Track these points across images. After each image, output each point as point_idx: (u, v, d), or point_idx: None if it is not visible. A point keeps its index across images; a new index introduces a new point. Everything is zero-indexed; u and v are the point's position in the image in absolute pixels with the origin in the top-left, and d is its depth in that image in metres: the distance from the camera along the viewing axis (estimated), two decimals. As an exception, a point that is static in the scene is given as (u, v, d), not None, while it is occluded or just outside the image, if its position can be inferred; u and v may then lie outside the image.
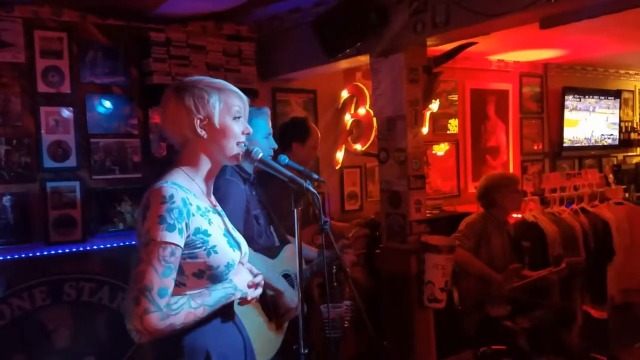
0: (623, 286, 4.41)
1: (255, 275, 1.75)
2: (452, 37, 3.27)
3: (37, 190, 3.45)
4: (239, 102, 1.69)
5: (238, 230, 2.08)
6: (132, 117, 3.78)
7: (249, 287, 1.71)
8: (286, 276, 2.47)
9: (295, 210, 1.83)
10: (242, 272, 1.71)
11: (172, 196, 1.52)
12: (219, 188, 2.21)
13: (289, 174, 1.90)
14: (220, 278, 1.62)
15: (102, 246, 3.51)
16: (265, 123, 2.54)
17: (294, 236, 2.71)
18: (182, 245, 1.52)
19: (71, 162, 3.54)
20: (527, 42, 4.83)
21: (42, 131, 3.45)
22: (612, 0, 2.27)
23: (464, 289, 3.50)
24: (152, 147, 3.84)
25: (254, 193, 2.53)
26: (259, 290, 1.77)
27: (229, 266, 1.63)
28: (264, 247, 2.44)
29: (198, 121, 1.62)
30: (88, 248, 3.49)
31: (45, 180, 3.46)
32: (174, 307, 1.48)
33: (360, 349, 3.47)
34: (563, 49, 5.33)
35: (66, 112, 3.53)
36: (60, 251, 3.38)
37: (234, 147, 1.68)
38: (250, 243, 2.30)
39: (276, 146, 2.58)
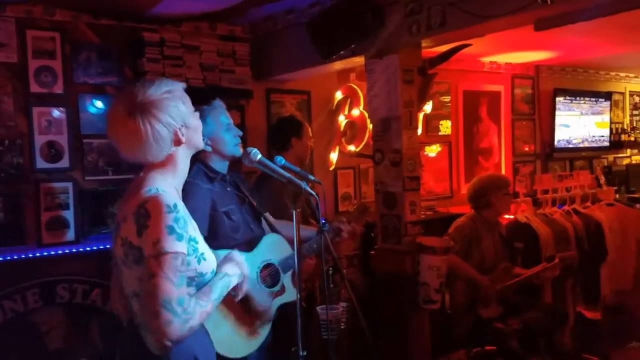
0: (615, 287, 4.44)
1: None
2: (447, 39, 3.29)
3: (29, 191, 3.42)
4: (185, 94, 1.65)
5: (201, 231, 2.00)
6: (126, 117, 3.75)
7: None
8: (268, 266, 2.40)
9: (295, 211, 1.84)
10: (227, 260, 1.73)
11: (175, 205, 1.51)
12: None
13: (288, 175, 1.90)
14: (203, 284, 1.62)
15: (95, 248, 3.49)
16: (223, 116, 2.47)
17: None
18: (186, 253, 1.53)
19: (64, 162, 3.51)
20: (519, 43, 4.86)
21: (35, 132, 3.42)
22: (606, 3, 2.29)
23: (454, 291, 3.51)
24: (146, 148, 3.81)
25: (228, 189, 2.49)
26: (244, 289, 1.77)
27: (212, 272, 1.65)
28: (242, 241, 2.39)
29: (178, 130, 1.59)
30: (81, 249, 3.46)
31: (38, 181, 3.43)
32: (189, 310, 1.48)
33: (355, 350, 3.47)
34: (555, 51, 5.36)
35: (59, 113, 3.51)
36: (53, 253, 3.35)
37: (200, 138, 1.71)
38: (224, 240, 2.29)
39: (241, 133, 2.51)
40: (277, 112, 4.36)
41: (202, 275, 1.60)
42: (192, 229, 1.59)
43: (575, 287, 4.36)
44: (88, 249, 3.47)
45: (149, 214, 1.48)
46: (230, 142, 2.41)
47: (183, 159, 1.66)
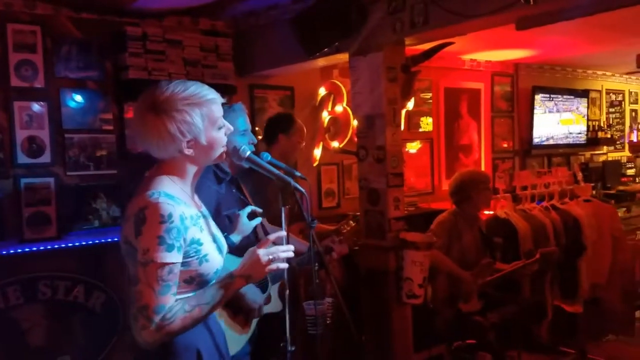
0: (591, 281, 4.54)
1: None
2: (430, 37, 3.32)
3: (10, 187, 3.37)
4: (219, 109, 1.65)
5: None
6: (107, 112, 3.73)
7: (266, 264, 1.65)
8: None
9: (284, 208, 1.85)
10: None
11: (170, 215, 1.52)
12: None
13: (277, 172, 1.91)
14: (208, 284, 1.65)
15: (77, 244, 3.46)
16: (242, 120, 2.49)
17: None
18: (180, 261, 1.55)
19: (45, 158, 3.47)
20: (499, 42, 4.92)
21: (16, 126, 3.37)
22: (588, 3, 2.34)
23: (435, 286, 3.55)
24: (128, 143, 3.79)
25: (233, 191, 2.51)
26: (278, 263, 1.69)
27: (217, 272, 1.67)
28: (239, 247, 2.40)
29: (185, 144, 1.59)
30: (63, 246, 3.42)
31: (19, 177, 3.38)
32: (168, 316, 1.52)
33: (339, 345, 3.49)
34: (533, 49, 5.44)
35: (40, 107, 3.46)
36: (34, 249, 3.31)
37: (220, 152, 1.68)
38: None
39: (256, 141, 2.55)
40: (261, 107, 4.36)
41: (204, 276, 1.63)
42: (198, 231, 1.61)
43: (553, 282, 4.45)
44: (70, 245, 3.43)
45: (145, 220, 1.51)
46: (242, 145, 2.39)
47: (191, 168, 1.66)
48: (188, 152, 1.60)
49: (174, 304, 1.54)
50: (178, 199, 1.57)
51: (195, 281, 1.62)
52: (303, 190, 1.92)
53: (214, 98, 1.65)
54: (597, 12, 2.54)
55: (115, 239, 3.58)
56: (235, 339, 2.28)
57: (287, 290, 1.96)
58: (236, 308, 2.31)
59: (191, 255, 1.58)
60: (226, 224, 2.39)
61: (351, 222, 3.12)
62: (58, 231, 3.49)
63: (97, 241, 3.52)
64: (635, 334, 4.72)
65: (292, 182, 1.88)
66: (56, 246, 3.40)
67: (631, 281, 4.89)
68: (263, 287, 2.44)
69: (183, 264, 1.56)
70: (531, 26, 2.85)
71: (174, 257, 1.52)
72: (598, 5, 2.37)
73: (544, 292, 4.38)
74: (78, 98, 3.62)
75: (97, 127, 3.68)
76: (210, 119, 1.62)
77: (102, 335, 3.46)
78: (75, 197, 3.59)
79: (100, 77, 3.68)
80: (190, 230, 1.58)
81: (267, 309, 2.46)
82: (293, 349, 1.91)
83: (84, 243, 3.47)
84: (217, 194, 2.39)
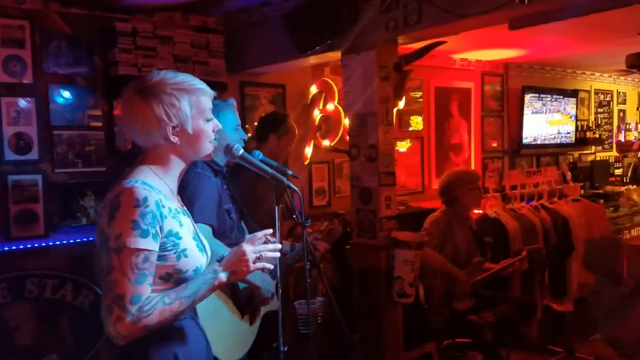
0: (579, 281, 4.57)
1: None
2: (423, 36, 3.31)
3: (-3, 184, 3.33)
4: (208, 100, 1.64)
5: (212, 225, 2.04)
6: (96, 109, 3.68)
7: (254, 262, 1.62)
8: None
9: (277, 207, 1.84)
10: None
11: (145, 199, 1.47)
12: (190, 182, 2.18)
13: (270, 170, 1.90)
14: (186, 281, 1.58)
15: (65, 242, 3.42)
16: (232, 115, 2.50)
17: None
18: (157, 250, 1.48)
19: (33, 154, 3.42)
20: (490, 41, 4.93)
21: (3, 122, 3.32)
22: (582, 3, 2.34)
23: (430, 286, 3.55)
24: (117, 140, 3.75)
25: (225, 187, 2.50)
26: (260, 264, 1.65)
27: (197, 271, 1.59)
28: (235, 242, 2.41)
29: (170, 129, 1.55)
30: (50, 243, 3.38)
31: (6, 174, 3.34)
32: (146, 308, 1.44)
33: (331, 344, 3.49)
34: (524, 49, 5.46)
35: (28, 103, 3.41)
36: (21, 247, 3.27)
37: (207, 147, 1.65)
38: (222, 238, 2.28)
39: (247, 137, 2.54)
40: (252, 105, 4.34)
41: (182, 272, 1.55)
42: (177, 225, 1.55)
43: (542, 281, 4.47)
44: (58, 242, 3.39)
45: (119, 205, 1.46)
46: (234, 141, 2.38)
47: (175, 159, 1.62)
48: (173, 139, 1.56)
49: (152, 295, 1.47)
50: (157, 190, 1.53)
51: (172, 278, 1.54)
52: (297, 189, 1.91)
53: (204, 89, 1.63)
54: (591, 13, 2.55)
55: (104, 237, 3.60)
56: (248, 333, 2.30)
57: (281, 290, 1.95)
58: (246, 300, 2.32)
59: (168, 248, 1.51)
60: (226, 217, 2.38)
61: (327, 223, 3.11)
62: (46, 229, 3.45)
63: (85, 239, 3.47)
64: (622, 332, 4.76)
65: (286, 181, 1.87)
66: (44, 244, 3.36)
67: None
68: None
69: (160, 257, 1.50)
70: (524, 26, 2.85)
71: (150, 244, 1.45)
72: (592, 6, 2.37)
73: (533, 291, 4.42)
74: (66, 94, 3.57)
75: (86, 124, 3.64)
76: (198, 108, 1.60)
77: (90, 335, 3.41)
78: (64, 195, 3.55)
79: (89, 73, 3.64)
80: (168, 220, 1.52)
81: (268, 308, 2.45)
82: (286, 349, 1.90)
83: (72, 241, 3.43)
84: (217, 187, 2.38)
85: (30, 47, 3.40)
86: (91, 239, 3.47)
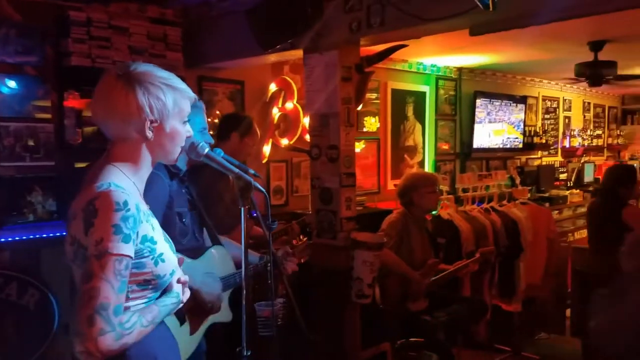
0: (527, 281, 4.71)
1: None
2: (386, 39, 3.33)
3: (-62, 177, 3.15)
4: (188, 104, 1.59)
5: None
6: (47, 100, 3.53)
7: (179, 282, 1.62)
8: None
9: (243, 209, 1.80)
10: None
11: (126, 203, 1.40)
12: None
13: (236, 170, 1.85)
14: (163, 286, 1.55)
15: (10, 238, 3.26)
16: (200, 118, 2.44)
17: (227, 233, 2.68)
18: (133, 256, 1.42)
19: (-22, 147, 3.26)
20: (447, 47, 5.01)
21: (-54, 112, 3.15)
22: (543, 12, 2.40)
23: (385, 286, 3.59)
24: (67, 133, 3.60)
25: (183, 191, 2.42)
26: (187, 292, 1.67)
27: (172, 273, 1.56)
28: (187, 248, 2.32)
29: (148, 122, 1.49)
30: (-5, 240, 3.23)
31: (-53, 166, 3.16)
32: (127, 325, 1.39)
33: (289, 345, 3.46)
34: (478, 54, 5.57)
35: (-27, 92, 3.24)
36: (-36, 244, 3.10)
37: (177, 151, 1.60)
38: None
39: (212, 141, 2.50)
40: (209, 100, 4.25)
41: (160, 278, 1.51)
42: (150, 229, 1.50)
43: (492, 281, 4.59)
44: (3, 240, 3.23)
45: (96, 211, 1.38)
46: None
47: (145, 157, 1.55)
48: (149, 134, 1.49)
49: (130, 314, 1.42)
50: (130, 192, 1.46)
51: (151, 284, 1.49)
52: (264, 190, 1.88)
53: (187, 91, 1.59)
54: (552, 21, 2.61)
55: (52, 235, 3.45)
56: (186, 342, 2.19)
57: (245, 291, 1.91)
58: (189, 308, 2.23)
59: (145, 254, 1.46)
60: (176, 221, 2.31)
61: (303, 237, 3.07)
62: (-10, 225, 3.29)
63: (32, 236, 3.33)
64: (565, 332, 4.95)
65: (254, 182, 1.83)
66: (-12, 241, 3.20)
67: (563, 282, 5.12)
68: None
69: (137, 265, 1.44)
70: (485, 32, 2.90)
71: (130, 250, 1.40)
72: (554, 14, 2.43)
73: (483, 291, 4.53)
74: (12, 84, 3.41)
75: (35, 116, 3.48)
76: (179, 109, 1.55)
77: (36, 335, 3.27)
78: (10, 190, 3.38)
79: (40, 62, 3.47)
80: (143, 225, 1.46)
81: (216, 318, 2.37)
82: (249, 353, 1.86)
83: (17, 238, 3.28)
84: (169, 189, 2.30)
85: (-23, 34, 3.22)
86: (38, 236, 3.34)
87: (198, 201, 2.48)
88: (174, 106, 1.53)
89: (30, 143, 3.47)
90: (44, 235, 3.33)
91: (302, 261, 2.93)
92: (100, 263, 1.35)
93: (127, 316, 1.40)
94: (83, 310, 1.34)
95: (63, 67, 3.52)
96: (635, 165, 8.91)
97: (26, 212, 3.45)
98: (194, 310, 2.23)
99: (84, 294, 1.36)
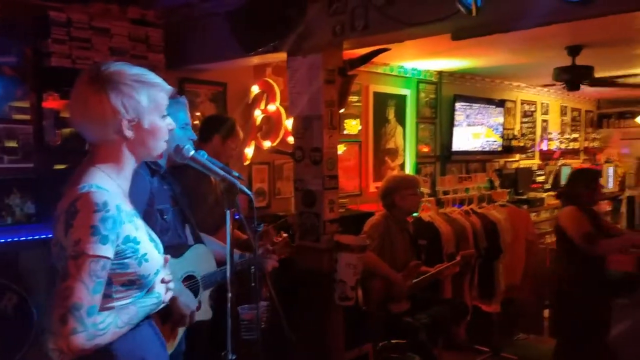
0: (506, 282, 4.78)
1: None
2: (369, 42, 3.34)
3: None
4: (165, 97, 1.59)
5: None
6: (25, 101, 3.48)
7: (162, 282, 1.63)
8: (189, 278, 2.34)
9: (229, 211, 1.79)
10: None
11: (105, 203, 1.41)
12: None
13: (222, 172, 1.85)
14: (148, 285, 1.55)
15: (-13, 242, 3.20)
16: (183, 113, 2.45)
17: (210, 232, 2.67)
18: (112, 258, 1.43)
19: (-46, 148, 3.20)
20: (427, 50, 5.04)
21: None
22: (525, 17, 2.44)
23: (368, 288, 3.60)
24: (46, 134, 3.55)
25: (165, 187, 2.41)
26: (171, 292, 1.68)
27: (157, 273, 1.57)
28: (169, 245, 2.30)
29: (126, 122, 1.49)
30: (-28, 244, 3.16)
31: None
32: (101, 326, 1.39)
33: (274, 348, 3.46)
34: (458, 58, 5.62)
35: (-51, 92, 3.18)
36: (-62, 247, 3.04)
37: (161, 146, 1.60)
38: None
39: (195, 137, 2.49)
40: (191, 101, 4.22)
41: (145, 277, 1.52)
42: (133, 229, 1.49)
43: (472, 282, 4.64)
44: (-20, 243, 3.18)
45: (77, 211, 1.39)
46: (182, 140, 2.30)
47: (127, 156, 1.55)
48: (128, 133, 1.49)
49: (106, 314, 1.42)
50: (112, 193, 1.47)
51: (135, 284, 1.50)
52: (250, 192, 1.88)
53: (162, 84, 1.58)
54: (534, 27, 2.66)
55: (30, 238, 3.39)
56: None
57: (230, 294, 1.90)
58: (164, 314, 2.21)
59: (128, 255, 1.46)
60: (157, 218, 2.29)
61: (283, 233, 3.07)
62: (-33, 228, 3.23)
63: (9, 239, 3.26)
64: (543, 332, 5.02)
65: (239, 185, 1.83)
66: (-36, 244, 3.14)
67: (541, 283, 5.20)
68: (194, 292, 2.35)
69: (121, 265, 1.45)
70: (467, 37, 2.93)
71: (108, 251, 1.40)
72: (535, 19, 2.47)
73: (463, 293, 4.58)
74: (-7, 85, 3.36)
75: (13, 117, 3.43)
76: (155, 104, 1.54)
77: (13, 340, 3.21)
78: (-14, 192, 3.32)
79: (18, 63, 3.42)
80: (126, 226, 1.46)
81: (197, 317, 2.36)
82: (234, 357, 1.85)
83: (-6, 241, 3.22)
84: (150, 186, 2.28)
85: (-46, 33, 3.17)
86: (16, 239, 3.28)
87: (181, 199, 2.47)
88: (150, 102, 1.52)
89: (9, 144, 3.41)
90: (22, 239, 3.26)
91: (283, 257, 2.94)
92: (76, 263, 1.37)
93: (102, 317, 1.41)
94: (57, 309, 1.36)
95: (42, 68, 3.46)
96: (611, 168, 9.12)
97: (4, 215, 3.39)
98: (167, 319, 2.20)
99: (59, 293, 1.37)
